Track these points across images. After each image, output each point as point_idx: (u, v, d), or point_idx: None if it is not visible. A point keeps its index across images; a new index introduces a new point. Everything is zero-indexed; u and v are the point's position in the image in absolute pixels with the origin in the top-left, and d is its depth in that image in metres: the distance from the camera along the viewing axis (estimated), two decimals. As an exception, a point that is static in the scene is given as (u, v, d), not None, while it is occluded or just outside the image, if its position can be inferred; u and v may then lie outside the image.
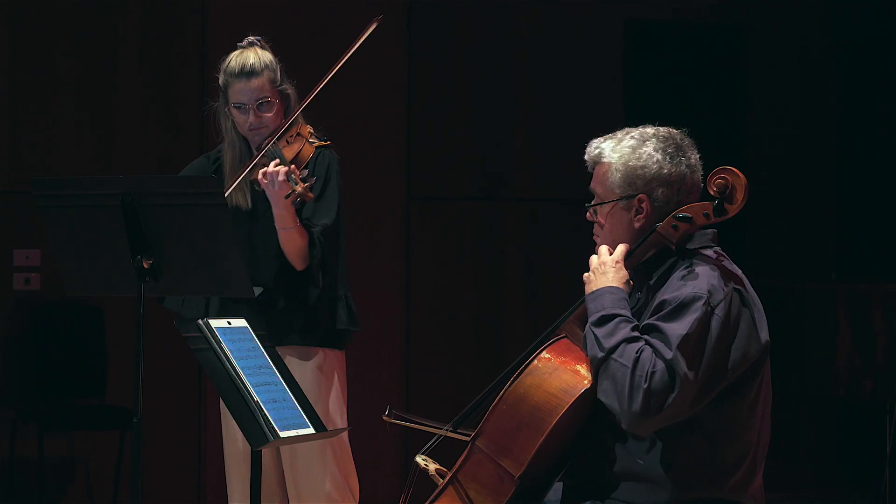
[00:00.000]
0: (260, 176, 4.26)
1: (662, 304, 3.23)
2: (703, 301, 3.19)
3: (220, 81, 4.47)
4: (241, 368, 3.59)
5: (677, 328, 3.17)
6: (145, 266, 3.70)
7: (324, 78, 4.41)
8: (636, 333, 3.21)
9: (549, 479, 3.40)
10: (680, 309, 3.19)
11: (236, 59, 4.45)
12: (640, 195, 3.33)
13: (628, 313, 3.26)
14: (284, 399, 3.64)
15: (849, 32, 8.23)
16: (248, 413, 3.54)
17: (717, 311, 3.20)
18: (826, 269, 8.03)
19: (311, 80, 6.94)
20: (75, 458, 6.83)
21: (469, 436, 3.39)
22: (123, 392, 6.62)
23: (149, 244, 3.71)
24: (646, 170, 3.32)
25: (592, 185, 3.42)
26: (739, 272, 3.35)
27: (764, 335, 3.29)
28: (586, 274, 3.39)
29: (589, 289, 3.34)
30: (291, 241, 4.31)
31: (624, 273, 3.33)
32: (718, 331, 3.19)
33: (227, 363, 3.58)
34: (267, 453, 4.40)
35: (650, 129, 3.38)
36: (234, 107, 4.41)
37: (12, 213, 6.71)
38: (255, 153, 4.39)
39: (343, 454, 4.48)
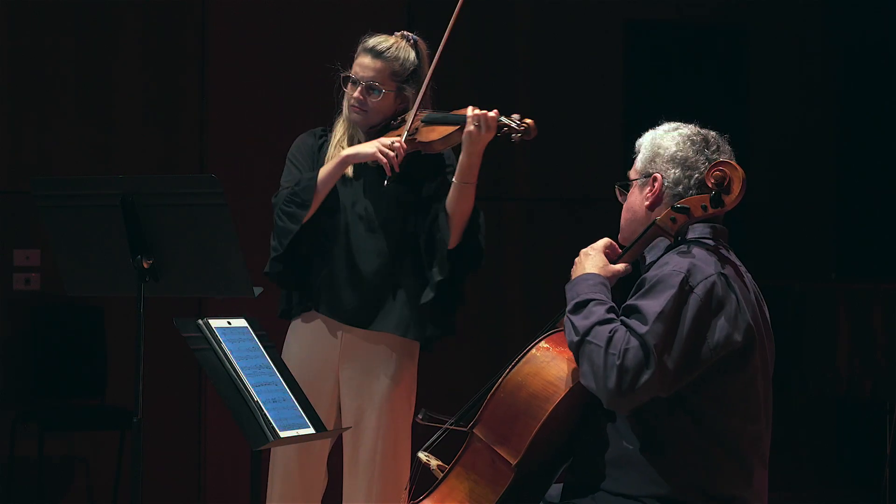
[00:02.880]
0: (469, 113, 4.21)
1: (642, 282, 3.28)
2: (680, 278, 3.22)
3: (356, 52, 4.43)
4: (241, 368, 3.59)
5: (652, 304, 3.20)
6: (145, 266, 3.71)
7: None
8: (611, 315, 3.25)
9: (549, 474, 3.41)
10: (656, 285, 3.23)
11: (377, 37, 4.43)
12: (655, 174, 3.39)
13: (603, 296, 3.30)
14: (284, 399, 3.64)
15: (848, 33, 8.24)
16: (248, 413, 3.54)
17: (696, 290, 3.22)
18: (826, 269, 8.03)
19: (310, 78, 6.96)
20: (75, 458, 6.83)
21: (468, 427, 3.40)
22: (123, 392, 6.62)
23: (149, 244, 3.71)
24: (666, 150, 3.40)
25: (629, 170, 3.51)
26: (737, 261, 3.37)
27: (748, 317, 3.28)
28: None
29: (571, 279, 3.41)
30: (467, 199, 4.28)
31: (601, 258, 3.40)
32: (695, 310, 3.21)
33: (227, 363, 3.59)
34: (317, 446, 4.39)
35: (692, 125, 3.47)
36: (350, 77, 4.38)
37: (12, 213, 6.71)
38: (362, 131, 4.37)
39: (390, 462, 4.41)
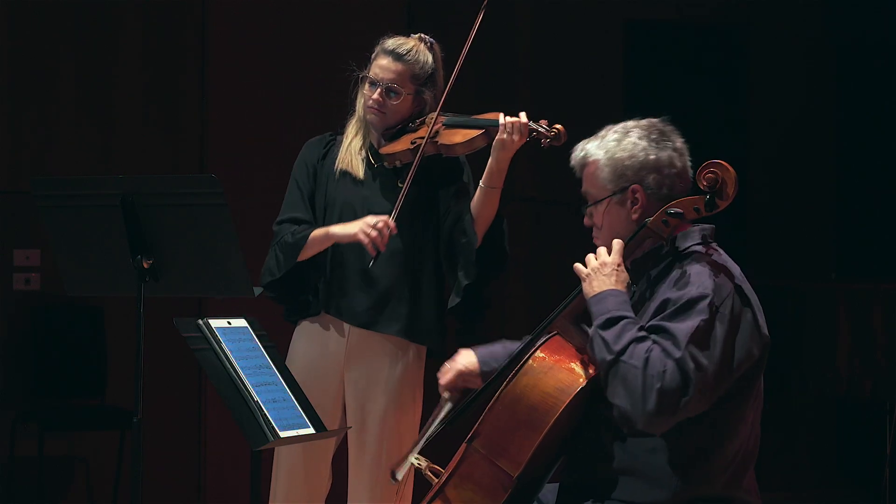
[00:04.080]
0: (502, 120, 4.25)
1: (666, 303, 3.22)
2: (708, 300, 3.18)
3: (373, 53, 4.40)
4: (241, 368, 3.59)
5: (684, 327, 3.16)
6: (145, 266, 3.71)
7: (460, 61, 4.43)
8: (643, 334, 3.20)
9: (543, 477, 3.40)
10: (685, 308, 3.19)
11: (396, 39, 4.39)
12: (632, 186, 3.34)
13: (633, 315, 3.25)
14: (284, 399, 3.64)
15: (848, 33, 8.23)
16: (248, 413, 3.54)
17: (721, 310, 3.19)
18: (826, 269, 8.03)
19: (310, 78, 6.96)
20: (75, 458, 6.83)
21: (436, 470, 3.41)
22: (123, 392, 6.62)
23: (149, 244, 3.71)
24: (633, 159, 3.33)
25: (584, 187, 3.43)
26: (737, 269, 3.34)
27: (765, 331, 3.29)
28: (581, 268, 3.35)
29: (589, 290, 3.31)
30: (492, 203, 4.31)
31: (625, 275, 3.31)
32: (725, 329, 3.18)
33: (227, 363, 3.58)
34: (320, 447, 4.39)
35: (631, 122, 3.41)
36: (369, 79, 4.35)
37: (12, 213, 6.71)
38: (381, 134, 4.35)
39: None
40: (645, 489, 3.24)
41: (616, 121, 3.52)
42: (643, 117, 3.47)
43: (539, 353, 3.33)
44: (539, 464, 3.30)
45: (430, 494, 3.35)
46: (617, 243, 3.33)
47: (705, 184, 3.25)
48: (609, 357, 3.19)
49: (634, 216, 3.35)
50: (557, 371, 3.29)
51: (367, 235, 4.17)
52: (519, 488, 3.27)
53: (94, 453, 6.82)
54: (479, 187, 4.32)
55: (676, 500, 3.23)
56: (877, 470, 6.70)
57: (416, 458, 3.52)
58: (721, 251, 3.36)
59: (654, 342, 3.17)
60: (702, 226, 3.36)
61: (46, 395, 6.77)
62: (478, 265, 4.31)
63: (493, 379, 3.47)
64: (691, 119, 3.48)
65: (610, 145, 3.37)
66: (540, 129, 4.27)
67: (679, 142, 3.37)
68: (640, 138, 3.35)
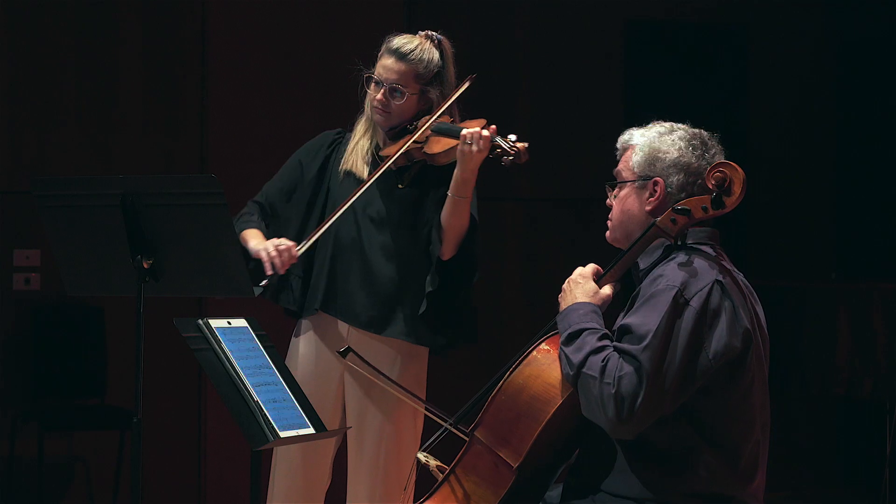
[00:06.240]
0: (463, 135, 4.12)
1: (636, 297, 3.27)
2: (674, 293, 3.20)
3: (379, 52, 4.38)
4: (241, 368, 3.59)
5: (645, 322, 3.19)
6: (145, 266, 3.71)
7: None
8: (603, 342, 3.23)
9: (550, 474, 3.41)
10: (649, 301, 3.22)
11: (401, 38, 4.37)
12: (656, 178, 3.37)
13: (596, 324, 3.29)
14: (284, 399, 3.63)
15: (848, 31, 8.24)
16: (248, 413, 3.54)
17: (692, 303, 3.21)
18: (826, 269, 8.03)
19: (310, 77, 6.95)
20: (75, 458, 6.83)
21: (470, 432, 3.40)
22: (123, 392, 6.62)
23: (149, 244, 3.71)
24: (667, 154, 3.37)
25: (617, 168, 3.48)
26: (731, 267, 3.36)
27: (744, 323, 3.27)
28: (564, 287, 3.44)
29: (560, 309, 3.39)
30: (461, 212, 4.18)
31: (590, 285, 3.38)
32: (693, 322, 3.19)
33: (227, 363, 3.58)
34: (321, 446, 4.38)
35: (681, 125, 3.45)
36: (373, 78, 4.34)
37: (12, 213, 6.71)
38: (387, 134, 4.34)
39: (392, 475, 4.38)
40: (641, 484, 3.25)
41: (615, 121, 3.54)
42: (645, 119, 3.52)
43: (544, 346, 3.37)
44: (541, 455, 3.31)
45: (435, 486, 3.37)
46: (591, 265, 3.41)
47: (713, 182, 3.28)
48: (572, 372, 3.24)
49: (648, 207, 3.39)
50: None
51: (268, 254, 4.18)
52: (521, 480, 3.28)
53: (94, 453, 6.82)
54: (447, 196, 4.23)
55: (673, 496, 3.23)
56: (877, 470, 6.71)
57: (424, 456, 3.53)
58: (723, 253, 3.38)
59: (615, 348, 3.20)
60: (704, 228, 3.38)
61: (46, 395, 6.77)
62: (440, 274, 4.26)
63: (500, 374, 3.47)
64: (691, 119, 3.50)
65: (652, 136, 3.42)
66: (503, 144, 4.12)
67: (718, 159, 3.39)
68: (681, 139, 3.39)
